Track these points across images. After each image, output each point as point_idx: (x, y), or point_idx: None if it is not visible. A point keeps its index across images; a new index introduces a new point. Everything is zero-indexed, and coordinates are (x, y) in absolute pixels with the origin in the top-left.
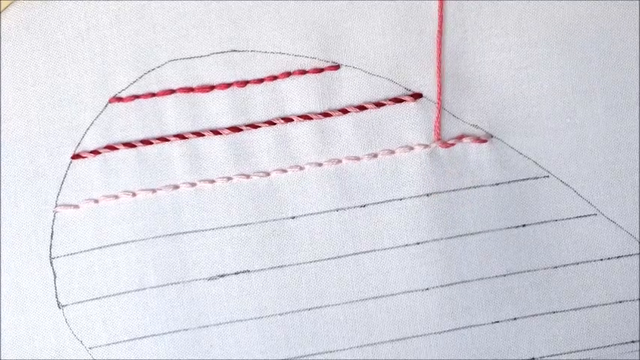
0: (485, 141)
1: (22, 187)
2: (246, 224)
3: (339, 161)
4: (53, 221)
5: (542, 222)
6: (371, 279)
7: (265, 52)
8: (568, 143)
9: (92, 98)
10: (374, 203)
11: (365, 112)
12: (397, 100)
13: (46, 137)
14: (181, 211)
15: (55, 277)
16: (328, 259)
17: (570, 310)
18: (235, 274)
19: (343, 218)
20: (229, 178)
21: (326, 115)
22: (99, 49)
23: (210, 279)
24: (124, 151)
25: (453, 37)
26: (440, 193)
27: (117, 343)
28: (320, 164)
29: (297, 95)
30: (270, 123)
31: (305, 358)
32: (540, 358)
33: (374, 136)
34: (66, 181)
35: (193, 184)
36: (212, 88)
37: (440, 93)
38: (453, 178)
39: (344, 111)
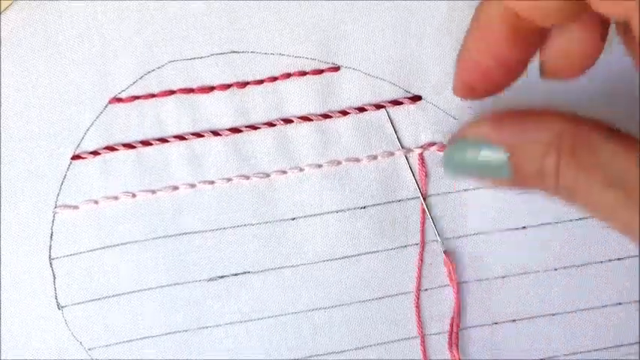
0: None
1: (21, 188)
2: (245, 225)
3: (339, 163)
4: (53, 222)
5: (542, 224)
6: (370, 280)
7: (265, 53)
8: None
9: (92, 99)
10: (373, 205)
11: (365, 113)
12: (397, 103)
13: (46, 138)
14: (181, 212)
15: (54, 277)
16: (328, 260)
17: (570, 311)
18: (235, 275)
19: (343, 220)
20: (229, 180)
21: (326, 116)
22: (99, 49)
23: (209, 280)
24: (123, 152)
25: (453, 36)
26: (439, 195)
27: (116, 344)
28: (320, 166)
29: (297, 97)
30: (270, 124)
31: (305, 358)
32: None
33: (373, 137)
34: (65, 181)
35: (193, 186)
36: (212, 89)
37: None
38: (452, 180)
39: (344, 113)
